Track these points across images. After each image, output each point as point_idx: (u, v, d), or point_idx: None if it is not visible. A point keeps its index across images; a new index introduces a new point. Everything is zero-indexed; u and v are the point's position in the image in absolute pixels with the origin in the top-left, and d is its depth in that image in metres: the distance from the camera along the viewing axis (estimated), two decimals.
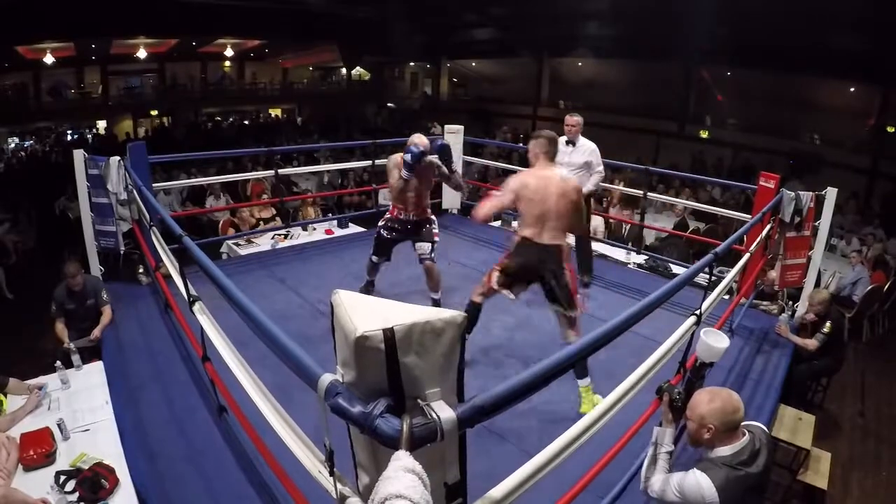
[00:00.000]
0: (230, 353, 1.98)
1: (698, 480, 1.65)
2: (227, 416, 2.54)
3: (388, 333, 1.00)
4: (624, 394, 1.76)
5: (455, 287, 4.42)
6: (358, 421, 1.00)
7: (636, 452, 2.32)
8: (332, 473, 1.27)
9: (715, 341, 2.01)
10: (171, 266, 2.86)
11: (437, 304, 3.79)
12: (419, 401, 1.03)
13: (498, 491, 1.27)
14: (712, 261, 2.34)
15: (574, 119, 4.38)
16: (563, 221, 2.81)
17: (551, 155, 2.88)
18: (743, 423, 1.74)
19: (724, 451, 1.69)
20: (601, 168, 4.39)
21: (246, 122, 19.00)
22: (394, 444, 0.94)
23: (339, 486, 1.26)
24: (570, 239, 3.94)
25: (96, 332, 3.53)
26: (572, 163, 4.34)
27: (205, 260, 1.98)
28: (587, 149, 4.37)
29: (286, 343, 1.31)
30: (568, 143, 4.39)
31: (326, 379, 1.10)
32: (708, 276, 2.50)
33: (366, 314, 1.05)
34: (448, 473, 1.12)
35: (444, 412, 1.01)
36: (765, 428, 1.84)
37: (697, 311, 2.20)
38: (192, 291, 2.32)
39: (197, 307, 2.27)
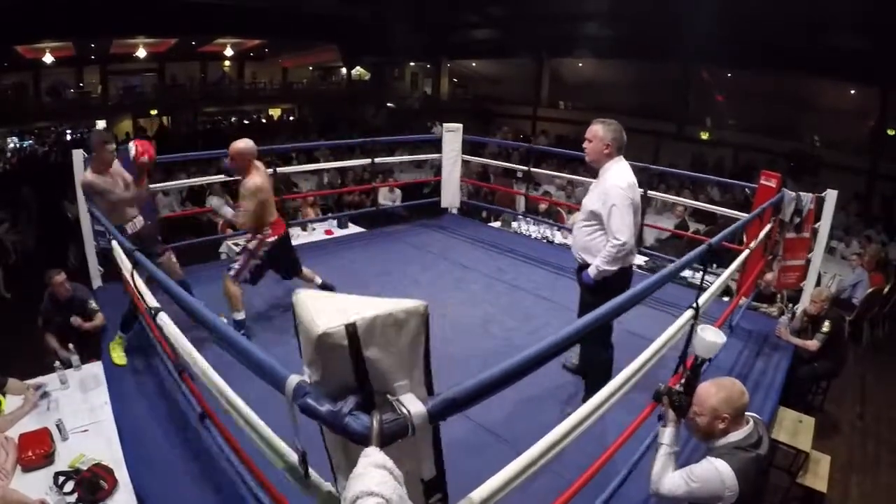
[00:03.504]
0: (198, 362, 1.84)
1: (716, 467, 1.66)
2: (207, 422, 2.50)
3: (350, 328, 0.98)
4: (617, 388, 1.73)
5: (453, 288, 4.43)
6: (327, 420, 0.98)
7: (633, 452, 2.32)
8: (307, 475, 1.25)
9: (711, 336, 2.01)
10: (129, 277, 2.56)
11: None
12: (388, 396, 1.02)
13: (485, 489, 1.25)
14: (706, 251, 2.29)
15: (593, 129, 2.66)
16: None
17: None
18: None
19: (735, 436, 1.72)
20: (619, 232, 2.53)
21: (246, 122, 18.99)
22: (364, 441, 0.92)
23: (316, 487, 1.25)
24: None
25: (96, 323, 3.60)
26: (584, 206, 2.74)
27: (157, 274, 1.96)
28: (603, 187, 2.61)
29: (249, 347, 1.28)
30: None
31: (294, 380, 1.07)
32: (702, 269, 2.46)
33: (326, 311, 1.03)
34: (423, 469, 1.11)
35: (413, 406, 1.00)
36: (756, 415, 1.87)
37: (695, 305, 2.18)
38: (153, 303, 2.19)
39: (160, 318, 2.09)
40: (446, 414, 1.06)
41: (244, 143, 3.36)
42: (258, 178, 3.33)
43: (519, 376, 1.23)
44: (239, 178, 3.39)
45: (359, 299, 1.10)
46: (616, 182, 2.57)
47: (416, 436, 1.00)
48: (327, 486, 1.24)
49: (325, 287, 3.91)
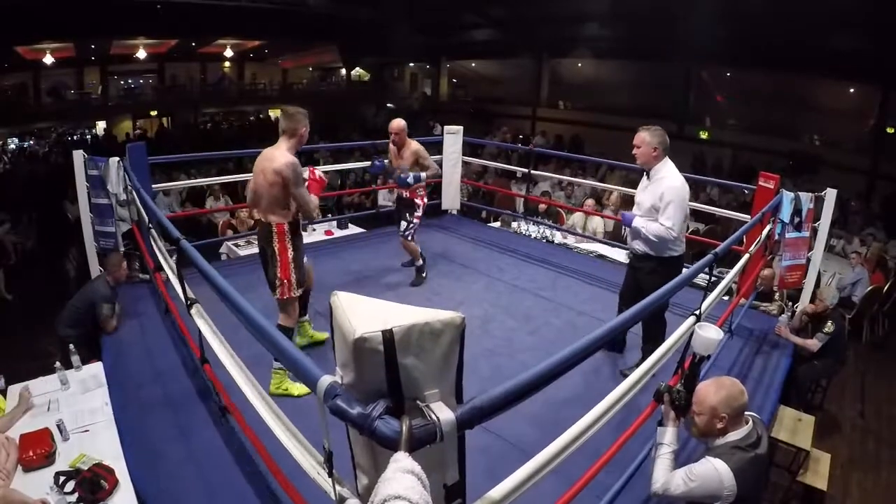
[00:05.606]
0: (228, 356, 1.97)
1: (715, 467, 1.67)
2: (227, 417, 2.54)
3: (387, 335, 1.00)
4: (624, 393, 1.76)
5: (453, 287, 4.43)
6: (357, 422, 1.00)
7: (635, 452, 2.32)
8: (330, 475, 1.27)
9: (708, 333, 2.01)
10: (168, 269, 2.84)
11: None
12: (418, 402, 1.03)
13: (497, 492, 1.27)
14: (712, 261, 2.34)
15: (640, 136, 2.90)
16: (266, 200, 2.76)
17: (282, 129, 2.78)
18: None
19: (734, 436, 1.73)
20: (669, 221, 2.83)
21: (247, 123, 19.00)
22: (393, 445, 0.94)
23: (337, 487, 1.26)
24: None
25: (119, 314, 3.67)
26: (640, 203, 3.02)
27: (202, 263, 1.97)
28: (662, 187, 2.87)
29: (286, 345, 1.31)
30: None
31: (326, 381, 1.09)
32: (708, 277, 2.50)
33: (364, 316, 1.05)
34: (447, 474, 1.12)
35: (443, 413, 1.01)
36: (755, 415, 1.87)
37: (697, 311, 2.20)
38: (190, 294, 2.31)
39: (194, 310, 2.25)
40: (475, 422, 1.07)
41: (402, 120, 4.22)
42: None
43: (545, 383, 1.25)
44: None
45: (398, 306, 1.12)
46: (672, 183, 2.87)
47: (444, 442, 1.01)
48: (350, 485, 1.25)
49: (418, 268, 4.47)
